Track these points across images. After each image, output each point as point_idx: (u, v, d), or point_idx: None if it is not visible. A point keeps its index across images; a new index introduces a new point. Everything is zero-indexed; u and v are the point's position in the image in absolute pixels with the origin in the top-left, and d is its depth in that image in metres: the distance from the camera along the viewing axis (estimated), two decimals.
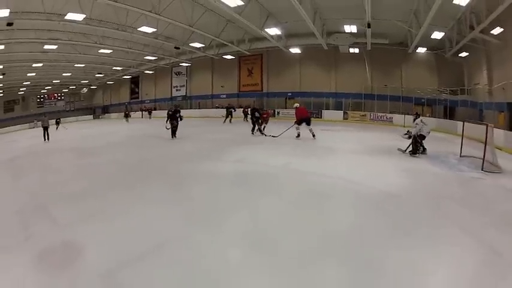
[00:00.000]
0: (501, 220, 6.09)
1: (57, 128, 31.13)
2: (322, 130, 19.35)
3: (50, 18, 20.55)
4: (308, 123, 16.73)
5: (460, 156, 12.03)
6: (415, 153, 12.01)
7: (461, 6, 16.55)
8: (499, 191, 8.18)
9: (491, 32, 19.14)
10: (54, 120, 32.42)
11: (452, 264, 4.54)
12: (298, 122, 16.91)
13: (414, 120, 12.65)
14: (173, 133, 18.04)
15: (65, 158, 13.51)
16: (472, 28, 19.41)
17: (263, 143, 15.47)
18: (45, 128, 22.08)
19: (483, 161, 10.43)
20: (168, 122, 18.21)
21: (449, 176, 9.64)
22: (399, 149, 12.73)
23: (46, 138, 21.65)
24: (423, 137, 12.15)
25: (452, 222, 5.93)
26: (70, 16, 19.24)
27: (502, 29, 18.57)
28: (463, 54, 26.13)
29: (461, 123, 13.95)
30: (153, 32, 25.53)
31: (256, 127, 18.86)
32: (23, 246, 4.77)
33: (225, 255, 4.59)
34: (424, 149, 12.39)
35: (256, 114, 19.23)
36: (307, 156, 12.02)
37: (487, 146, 10.82)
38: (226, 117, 29.37)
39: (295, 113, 17.33)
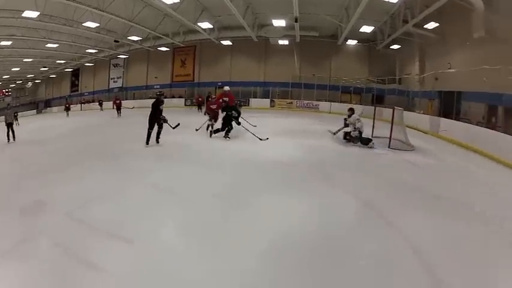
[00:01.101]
0: (385, 183, 8.70)
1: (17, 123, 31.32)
2: (250, 117, 22.34)
3: (4, 15, 23.29)
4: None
5: (372, 136, 14.64)
6: (368, 144, 13.57)
7: (393, 2, 20.42)
8: (397, 163, 11.24)
9: (426, 26, 23.53)
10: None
11: (314, 207, 6.82)
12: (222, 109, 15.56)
13: (349, 116, 14.05)
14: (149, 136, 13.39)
15: (24, 148, 15.02)
16: (406, 22, 23.67)
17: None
18: (9, 125, 17.78)
19: (389, 139, 13.60)
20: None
21: (354, 151, 12.78)
22: (330, 131, 15.42)
23: (11, 137, 17.50)
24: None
25: (336, 184, 8.49)
26: (27, 14, 22.35)
27: (437, 24, 23.04)
28: (396, 46, 31.47)
29: (385, 109, 17.79)
30: (96, 27, 28.68)
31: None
32: (8, 206, 6.85)
33: (144, 195, 7.29)
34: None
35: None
36: (233, 139, 14.77)
37: (399, 127, 14.37)
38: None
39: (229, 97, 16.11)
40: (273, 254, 4.88)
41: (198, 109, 31.15)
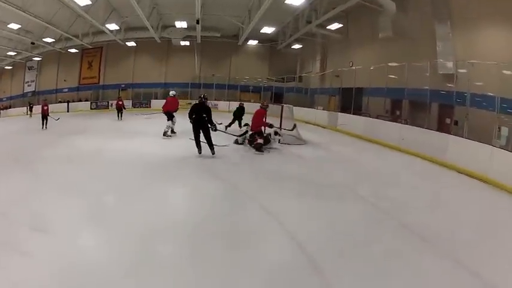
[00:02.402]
0: (264, 174, 9.55)
1: None
2: (146, 118, 23.91)
3: None
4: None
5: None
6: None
7: (295, 5, 21.27)
8: (284, 156, 12.17)
9: (329, 27, 25.11)
10: None
11: (195, 195, 7.63)
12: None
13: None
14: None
15: None
16: (309, 23, 24.85)
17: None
18: None
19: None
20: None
21: (244, 148, 13.19)
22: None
23: None
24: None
25: (220, 177, 9.02)
26: None
27: (341, 25, 24.65)
28: (297, 46, 33.11)
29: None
30: (18, 28, 27.24)
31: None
32: None
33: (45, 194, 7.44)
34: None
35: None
36: (120, 138, 15.33)
37: (291, 123, 15.21)
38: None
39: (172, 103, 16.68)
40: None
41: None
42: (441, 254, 5.08)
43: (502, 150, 9.77)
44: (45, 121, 20.41)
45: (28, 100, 38.44)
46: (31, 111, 33.13)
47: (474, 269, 4.64)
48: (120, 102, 25.41)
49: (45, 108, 20.62)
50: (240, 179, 8.87)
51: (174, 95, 17.38)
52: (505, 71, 11.29)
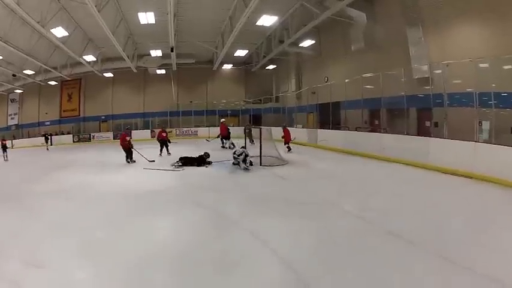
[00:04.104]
0: (248, 197, 9.56)
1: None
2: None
3: None
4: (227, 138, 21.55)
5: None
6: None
7: (266, 26, 21.65)
8: (266, 178, 12.20)
9: (302, 44, 25.34)
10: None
11: (181, 224, 7.64)
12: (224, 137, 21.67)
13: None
14: None
15: None
16: (282, 42, 25.26)
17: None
18: None
19: (260, 157, 14.43)
20: None
21: (227, 173, 13.35)
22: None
23: None
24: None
25: (202, 204, 9.03)
26: None
27: (313, 41, 24.93)
28: (272, 66, 33.76)
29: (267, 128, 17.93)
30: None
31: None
32: None
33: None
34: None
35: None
36: (105, 171, 15.16)
37: (271, 144, 15.44)
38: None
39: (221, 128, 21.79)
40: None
41: (162, 149, 19.70)
42: (430, 255, 5.23)
43: (485, 144, 10.03)
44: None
45: (44, 131, 36.78)
46: (47, 142, 31.68)
47: (465, 264, 4.77)
48: (164, 134, 19.36)
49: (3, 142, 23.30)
50: (225, 205, 8.82)
51: (222, 122, 22.06)
52: (481, 65, 11.51)
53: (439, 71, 13.80)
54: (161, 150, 18.63)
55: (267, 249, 5.84)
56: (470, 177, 9.77)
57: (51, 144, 31.26)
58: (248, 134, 21.38)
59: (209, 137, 24.67)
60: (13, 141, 33.19)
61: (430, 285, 4.39)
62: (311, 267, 5.10)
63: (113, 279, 5.02)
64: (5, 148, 22.93)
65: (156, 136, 19.13)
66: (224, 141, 21.47)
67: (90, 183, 12.51)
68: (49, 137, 32.15)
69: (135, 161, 16.58)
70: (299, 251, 5.74)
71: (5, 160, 21.86)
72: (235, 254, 5.80)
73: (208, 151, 16.02)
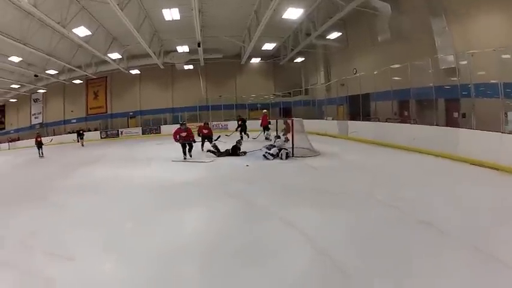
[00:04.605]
0: (282, 187, 9.73)
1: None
2: (157, 144, 23.94)
3: None
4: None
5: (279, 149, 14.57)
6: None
7: (293, 19, 21.52)
8: (299, 169, 12.36)
9: (329, 36, 25.26)
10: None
11: (216, 215, 7.62)
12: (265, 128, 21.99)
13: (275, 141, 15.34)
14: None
15: None
16: (309, 35, 25.30)
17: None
18: None
19: (292, 148, 14.48)
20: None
21: (262, 164, 13.48)
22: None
23: None
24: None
25: (234, 195, 9.19)
26: None
27: (340, 33, 24.84)
28: (300, 59, 33.69)
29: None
30: (19, 61, 27.71)
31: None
32: None
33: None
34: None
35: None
36: (132, 166, 15.59)
37: (302, 136, 15.54)
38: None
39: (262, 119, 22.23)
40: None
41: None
42: (462, 245, 5.25)
43: (511, 135, 9.90)
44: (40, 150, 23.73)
45: (78, 128, 35.76)
46: (82, 139, 31.66)
47: (495, 255, 4.75)
48: (206, 131, 17.91)
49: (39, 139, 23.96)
50: (256, 195, 8.94)
51: (264, 113, 22.55)
52: (504, 56, 11.34)
53: (465, 62, 13.56)
54: (202, 145, 17.75)
55: (301, 237, 5.95)
56: (497, 169, 9.68)
57: (81, 139, 31.68)
58: (242, 128, 22.63)
59: (229, 132, 24.68)
60: (52, 136, 35.09)
61: (462, 274, 4.43)
62: (346, 255, 5.17)
63: (142, 270, 5.17)
64: (40, 145, 23.59)
65: (198, 131, 18.23)
66: (265, 132, 21.48)
67: (120, 177, 12.94)
68: (83, 133, 32.36)
69: (191, 156, 15.74)
70: (333, 239, 5.82)
71: (40, 156, 22.71)
72: (269, 243, 5.92)
73: (242, 141, 16.68)
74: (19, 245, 6.53)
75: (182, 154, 15.49)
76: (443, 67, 15.48)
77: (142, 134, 36.04)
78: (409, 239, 5.64)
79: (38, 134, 25.72)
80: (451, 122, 14.61)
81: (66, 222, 7.85)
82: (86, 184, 12.25)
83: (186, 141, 15.53)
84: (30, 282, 5.02)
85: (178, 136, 15.48)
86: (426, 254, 5.02)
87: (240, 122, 23.17)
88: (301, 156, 14.22)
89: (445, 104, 16.01)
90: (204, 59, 33.48)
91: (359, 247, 5.47)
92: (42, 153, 23.41)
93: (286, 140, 14.73)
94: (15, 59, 26.74)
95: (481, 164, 10.35)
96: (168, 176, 12.35)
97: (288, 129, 16.08)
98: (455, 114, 15.00)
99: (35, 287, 4.90)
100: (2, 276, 5.29)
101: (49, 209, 9.22)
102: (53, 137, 37.49)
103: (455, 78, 14.12)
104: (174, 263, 5.38)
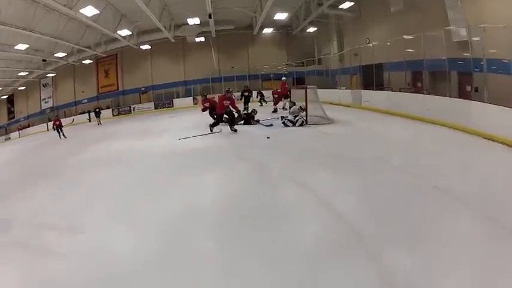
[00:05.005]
0: (297, 152, 10.44)
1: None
2: (170, 117, 24.91)
3: None
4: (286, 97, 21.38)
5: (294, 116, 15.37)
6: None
7: None
8: (313, 135, 12.91)
9: (341, 6, 24.81)
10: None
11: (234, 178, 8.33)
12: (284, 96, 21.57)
13: (290, 107, 16.45)
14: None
15: None
16: (321, 5, 25.26)
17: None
18: None
19: (306, 116, 14.98)
20: None
21: (275, 132, 14.04)
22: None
23: None
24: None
25: (249, 159, 9.90)
26: None
27: (352, 3, 24.37)
28: (312, 29, 33.24)
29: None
30: (26, 48, 27.88)
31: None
32: None
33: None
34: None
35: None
36: (145, 138, 16.50)
37: (316, 104, 15.83)
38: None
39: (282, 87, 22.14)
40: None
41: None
42: (476, 212, 5.43)
43: None
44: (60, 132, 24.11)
45: (95, 106, 35.79)
46: (99, 117, 31.68)
47: (508, 224, 4.89)
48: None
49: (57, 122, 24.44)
50: (271, 160, 9.50)
51: (284, 80, 22.89)
52: None
53: (477, 38, 13.38)
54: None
55: (316, 199, 6.33)
56: (509, 145, 9.75)
57: (98, 117, 31.80)
58: (246, 99, 22.05)
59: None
60: (73, 117, 35.82)
61: (475, 241, 4.62)
62: (360, 217, 5.47)
63: (155, 234, 5.61)
64: (60, 127, 23.97)
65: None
66: (284, 101, 21.30)
67: (133, 149, 13.93)
68: (99, 111, 32.43)
69: (221, 131, 15.02)
70: (347, 202, 6.11)
71: (61, 138, 23.21)
72: (284, 205, 6.34)
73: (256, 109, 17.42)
74: (31, 222, 6.98)
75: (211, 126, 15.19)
76: (455, 40, 15.31)
77: (155, 108, 36.33)
78: (423, 204, 5.84)
79: (57, 117, 26.07)
80: (463, 95, 14.52)
81: (79, 195, 8.36)
82: (99, 158, 13.23)
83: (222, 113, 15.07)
84: (42, 257, 5.32)
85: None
86: (440, 220, 5.25)
87: (246, 94, 22.28)
88: (315, 124, 14.58)
89: (458, 76, 15.88)
90: (215, 30, 33.61)
91: (373, 211, 5.76)
92: (64, 135, 23.72)
93: (301, 109, 15.22)
94: (21, 46, 26.91)
95: (493, 139, 10.40)
96: (182, 144, 13.09)
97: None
98: (468, 88, 14.90)
99: (46, 262, 5.15)
100: (14, 254, 5.66)
101: (63, 183, 9.89)
102: (74, 117, 37.46)
103: (467, 53, 13.96)
104: (188, 225, 5.82)
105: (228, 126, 14.88)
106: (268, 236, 5.14)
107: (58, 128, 23.94)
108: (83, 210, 7.14)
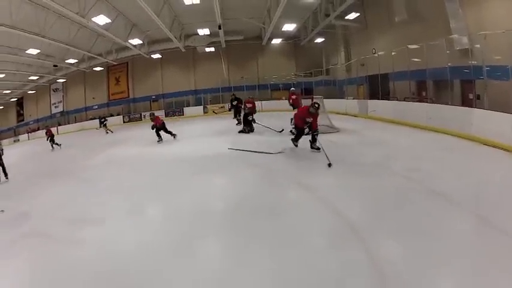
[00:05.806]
0: (302, 159, 10.83)
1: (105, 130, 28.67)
2: (180, 125, 24.59)
3: None
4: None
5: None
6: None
7: (311, 0, 22.13)
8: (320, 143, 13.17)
9: (347, 17, 25.31)
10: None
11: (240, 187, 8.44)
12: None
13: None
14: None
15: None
16: (328, 16, 25.49)
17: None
18: None
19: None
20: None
21: (280, 140, 14.19)
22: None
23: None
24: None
25: (246, 162, 10.70)
26: None
27: (358, 14, 24.95)
28: (320, 40, 33.59)
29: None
30: (37, 53, 28.48)
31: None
32: None
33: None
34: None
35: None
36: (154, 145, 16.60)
37: (322, 114, 15.39)
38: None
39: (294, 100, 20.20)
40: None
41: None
42: (467, 213, 5.77)
43: None
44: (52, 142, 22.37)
45: (100, 115, 35.38)
46: (106, 126, 29.09)
47: (498, 224, 5.14)
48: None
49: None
50: (277, 164, 10.06)
51: (292, 91, 22.11)
52: None
53: (478, 46, 13.68)
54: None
55: (317, 199, 6.84)
56: (509, 151, 9.93)
57: (105, 126, 29.37)
58: (235, 108, 21.16)
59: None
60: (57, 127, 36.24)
61: (462, 239, 4.94)
62: (358, 216, 5.85)
63: (168, 227, 6.20)
64: (52, 138, 22.40)
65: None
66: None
67: (144, 154, 14.32)
68: (105, 120, 30.12)
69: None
70: (346, 202, 6.55)
71: (52, 149, 21.75)
72: (286, 203, 6.90)
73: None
74: (50, 215, 7.45)
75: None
76: (457, 48, 15.49)
77: (166, 116, 36.30)
78: (418, 205, 6.19)
79: (47, 127, 25.94)
80: (466, 103, 14.72)
81: (94, 192, 8.91)
82: (111, 160, 13.72)
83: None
84: (62, 246, 5.74)
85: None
86: (432, 219, 5.53)
87: (234, 103, 20.92)
88: (321, 133, 14.40)
89: (461, 84, 16.10)
90: (225, 41, 33.96)
91: (371, 210, 6.15)
92: (57, 144, 22.11)
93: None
94: (33, 51, 27.38)
95: (494, 145, 10.57)
96: (193, 151, 13.46)
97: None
98: (470, 96, 15.11)
99: (66, 250, 5.57)
100: (35, 242, 6.10)
101: (77, 183, 10.44)
102: (72, 125, 38.84)
103: (469, 61, 14.23)
104: (200, 218, 6.40)
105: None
106: (267, 226, 5.74)
107: (50, 138, 22.29)
108: (100, 205, 7.71)
